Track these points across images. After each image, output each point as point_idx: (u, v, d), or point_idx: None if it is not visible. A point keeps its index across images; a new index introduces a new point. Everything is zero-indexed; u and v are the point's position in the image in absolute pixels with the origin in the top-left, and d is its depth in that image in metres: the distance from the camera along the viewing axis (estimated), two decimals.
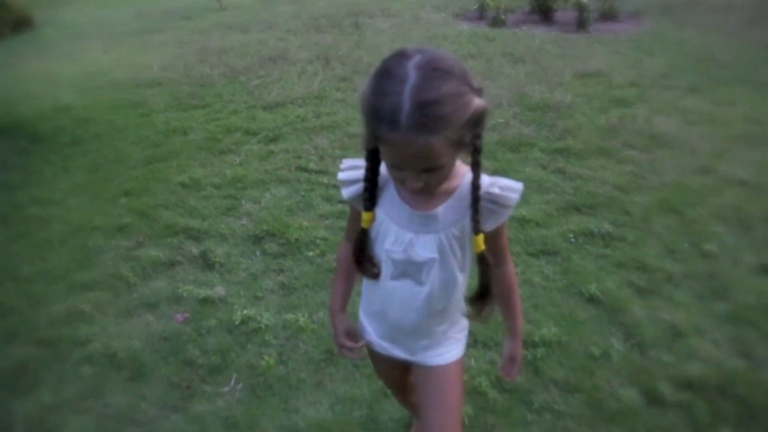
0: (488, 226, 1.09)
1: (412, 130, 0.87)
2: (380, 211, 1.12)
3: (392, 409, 1.80)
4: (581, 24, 6.23)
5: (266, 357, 2.03)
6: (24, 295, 2.45)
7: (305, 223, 2.80)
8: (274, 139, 3.79)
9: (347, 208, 2.89)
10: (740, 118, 3.87)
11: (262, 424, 1.79)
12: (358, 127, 3.87)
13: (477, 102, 0.91)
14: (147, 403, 1.90)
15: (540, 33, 6.13)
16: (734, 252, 2.50)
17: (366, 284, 1.25)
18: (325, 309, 2.25)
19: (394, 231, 1.11)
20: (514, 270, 1.23)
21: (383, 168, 1.07)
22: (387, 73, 0.90)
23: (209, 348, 2.10)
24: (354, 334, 1.28)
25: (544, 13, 6.78)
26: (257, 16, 7.79)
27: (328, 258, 2.56)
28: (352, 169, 1.12)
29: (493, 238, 1.11)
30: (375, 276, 1.16)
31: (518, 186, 1.08)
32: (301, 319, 2.19)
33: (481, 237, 1.07)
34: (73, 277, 2.55)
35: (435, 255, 1.10)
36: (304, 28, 6.83)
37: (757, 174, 3.12)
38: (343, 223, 2.77)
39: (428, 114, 0.87)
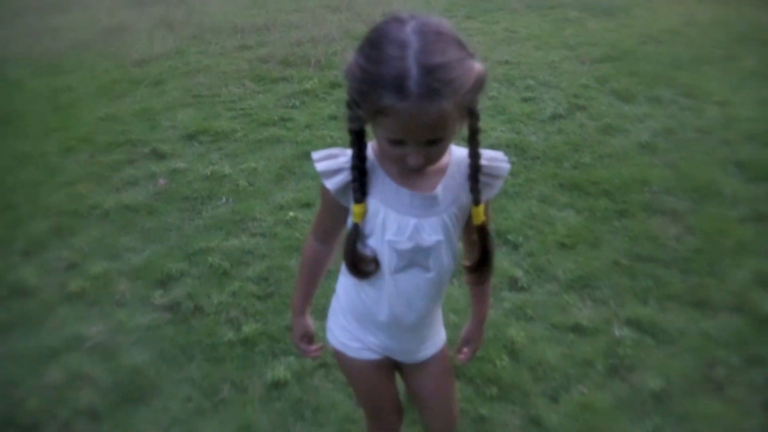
0: (482, 199, 1.10)
1: (423, 96, 0.86)
2: (374, 201, 1.08)
3: None
4: None
5: (240, 183, 3.18)
6: (17, 196, 3.23)
7: (222, 123, 3.91)
8: (160, 83, 4.73)
9: (252, 113, 4.08)
10: (501, 30, 5.75)
11: (256, 209, 2.95)
12: (228, 66, 4.98)
13: (478, 66, 0.91)
14: (170, 220, 2.94)
15: None
16: (505, 94, 4.19)
17: (351, 289, 1.22)
18: (267, 161, 3.43)
19: (394, 219, 1.08)
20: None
21: (368, 153, 1.06)
22: (385, 39, 0.89)
23: (196, 188, 3.17)
24: (312, 337, 1.33)
25: None
26: None
27: (251, 136, 3.71)
28: (329, 159, 1.08)
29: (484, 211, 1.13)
30: (371, 274, 1.13)
31: (502, 155, 1.11)
32: (253, 165, 3.36)
33: (481, 207, 1.09)
34: (52, 180, 3.37)
35: (441, 237, 1.10)
36: (127, 4, 7.50)
37: (513, 58, 4.92)
38: (251, 120, 3.95)
39: (437, 79, 0.86)
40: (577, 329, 2.15)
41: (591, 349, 2.07)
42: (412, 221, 1.07)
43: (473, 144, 1.05)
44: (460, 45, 0.91)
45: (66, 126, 4.04)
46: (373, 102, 0.90)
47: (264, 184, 3.18)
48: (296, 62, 4.91)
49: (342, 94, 4.21)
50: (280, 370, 2.01)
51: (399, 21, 0.90)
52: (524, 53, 5.03)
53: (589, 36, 5.47)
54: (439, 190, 1.07)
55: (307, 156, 3.33)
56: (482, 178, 1.08)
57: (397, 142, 0.95)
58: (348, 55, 0.94)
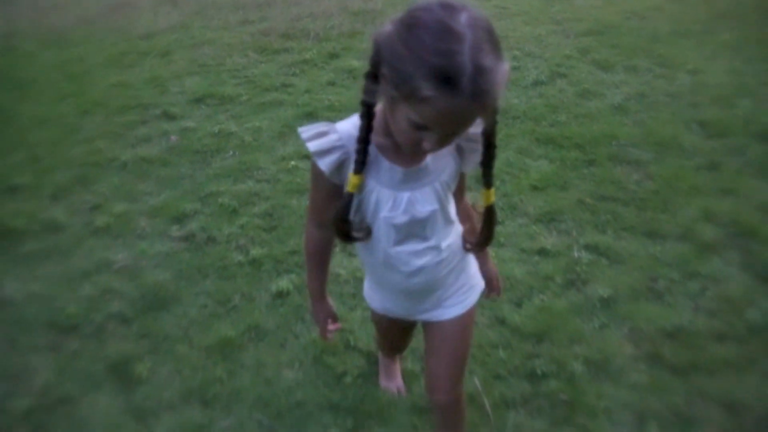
0: (470, 166, 1.18)
1: (472, 96, 0.86)
2: (369, 180, 1.11)
3: None
4: None
5: (245, 139, 3.53)
6: (40, 150, 3.58)
7: (227, 89, 4.25)
8: (167, 54, 5.06)
9: (256, 80, 4.43)
10: (493, 6, 6.06)
11: (261, 160, 3.30)
12: (232, 39, 5.30)
13: (507, 67, 0.93)
14: (183, 170, 3.29)
15: None
16: None
17: (364, 253, 1.28)
18: (271, 120, 3.77)
19: (388, 196, 1.13)
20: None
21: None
22: (438, 26, 0.87)
23: (206, 143, 3.52)
24: (336, 317, 1.41)
25: None
26: None
27: (255, 100, 4.05)
28: (319, 137, 1.09)
29: (464, 176, 1.23)
30: (362, 239, 1.19)
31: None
32: (257, 124, 3.70)
33: (492, 191, 1.16)
34: (72, 138, 3.72)
35: (436, 206, 1.15)
36: None
37: (503, 32, 5.24)
38: (254, 86, 4.29)
39: (488, 81, 0.87)
40: (542, 252, 2.51)
41: (552, 268, 2.43)
42: (406, 195, 1.13)
43: (490, 134, 1.13)
44: (498, 45, 0.92)
45: (80, 92, 4.37)
46: (412, 86, 0.89)
47: (267, 140, 3.53)
48: (296, 35, 5.24)
49: (339, 64, 4.57)
50: (283, 282, 2.37)
51: (452, 8, 0.89)
52: (513, 27, 5.36)
53: (576, 12, 5.79)
54: (429, 160, 1.13)
55: (307, 116, 3.68)
56: (465, 145, 1.16)
57: (421, 127, 0.95)
58: (385, 26, 0.94)
